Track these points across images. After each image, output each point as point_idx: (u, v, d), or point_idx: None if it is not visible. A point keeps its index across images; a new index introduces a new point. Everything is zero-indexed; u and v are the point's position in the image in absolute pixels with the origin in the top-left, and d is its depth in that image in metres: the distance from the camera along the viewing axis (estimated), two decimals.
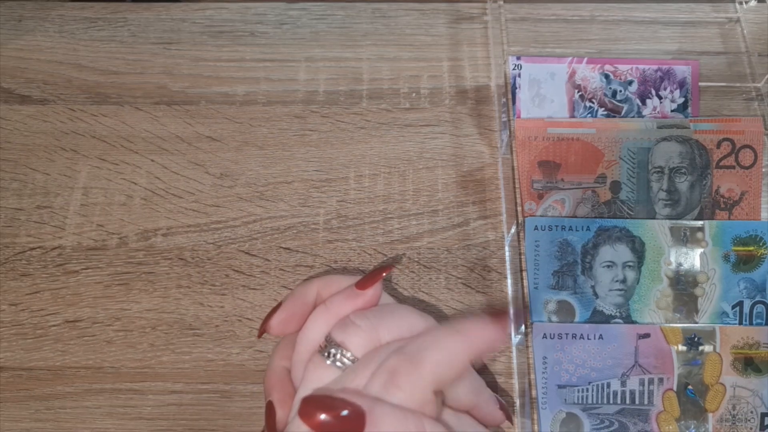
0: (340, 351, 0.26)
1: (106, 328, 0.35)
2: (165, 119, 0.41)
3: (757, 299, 0.35)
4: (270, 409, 0.28)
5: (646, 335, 0.34)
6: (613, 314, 0.35)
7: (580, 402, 0.33)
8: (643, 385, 0.34)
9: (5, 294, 0.36)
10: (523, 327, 0.34)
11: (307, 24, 0.44)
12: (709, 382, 0.34)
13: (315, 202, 0.38)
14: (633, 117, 0.40)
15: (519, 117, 0.39)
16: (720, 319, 0.35)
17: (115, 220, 0.38)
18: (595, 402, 0.33)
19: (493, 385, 0.34)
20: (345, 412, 0.24)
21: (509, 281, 0.36)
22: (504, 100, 0.39)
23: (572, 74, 0.40)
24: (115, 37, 0.43)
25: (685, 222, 0.36)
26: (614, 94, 0.40)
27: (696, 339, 0.34)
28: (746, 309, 0.35)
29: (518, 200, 0.37)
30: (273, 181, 0.39)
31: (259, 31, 0.43)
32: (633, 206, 0.37)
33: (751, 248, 0.36)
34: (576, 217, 0.37)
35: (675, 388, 0.34)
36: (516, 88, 0.40)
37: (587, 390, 0.34)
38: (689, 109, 0.40)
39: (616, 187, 0.37)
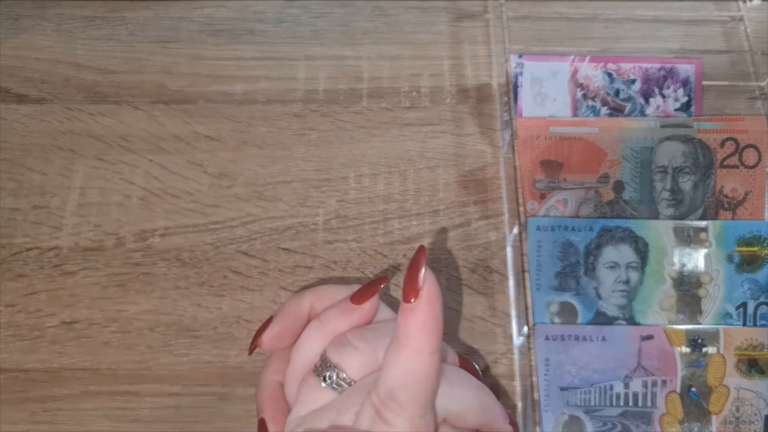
0: (336, 373, 0.25)
1: (103, 329, 0.35)
2: (163, 118, 0.40)
3: (761, 300, 0.35)
4: (262, 426, 0.27)
5: (650, 337, 0.34)
6: (616, 315, 0.35)
7: (582, 404, 0.33)
8: (646, 387, 0.33)
9: (1, 295, 0.36)
10: (525, 329, 0.34)
11: (306, 22, 0.43)
12: (712, 384, 0.34)
13: (314, 202, 0.38)
14: (636, 116, 0.39)
15: (521, 116, 0.39)
16: (723, 320, 0.35)
17: (113, 221, 0.38)
18: (597, 404, 0.33)
19: (495, 388, 0.34)
20: None
21: (511, 282, 0.36)
22: (506, 98, 0.39)
23: (575, 73, 0.40)
24: (114, 35, 0.43)
25: (688, 222, 0.36)
26: (617, 92, 0.40)
27: (699, 340, 0.34)
28: (750, 310, 0.35)
29: (520, 200, 0.36)
30: (272, 180, 0.39)
31: (258, 30, 0.43)
32: (636, 206, 0.37)
33: (755, 249, 0.36)
34: (579, 217, 0.37)
35: (678, 390, 0.33)
36: (518, 86, 0.40)
37: (590, 392, 0.33)
38: (692, 108, 0.40)
39: (619, 186, 0.37)
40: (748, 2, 0.43)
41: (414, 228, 0.37)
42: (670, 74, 0.40)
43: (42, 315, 0.36)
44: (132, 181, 0.39)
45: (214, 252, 0.37)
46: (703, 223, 0.36)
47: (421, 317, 0.24)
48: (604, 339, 0.34)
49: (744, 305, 0.35)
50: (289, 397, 0.28)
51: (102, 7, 0.44)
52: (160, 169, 0.39)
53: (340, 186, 0.39)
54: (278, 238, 0.37)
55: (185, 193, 0.38)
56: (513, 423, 0.29)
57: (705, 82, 0.40)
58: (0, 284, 0.36)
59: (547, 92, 0.40)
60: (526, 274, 0.35)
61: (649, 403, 0.33)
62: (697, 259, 0.35)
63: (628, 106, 0.40)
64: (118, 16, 0.44)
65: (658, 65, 0.40)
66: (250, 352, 0.29)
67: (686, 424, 0.33)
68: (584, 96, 0.40)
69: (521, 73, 0.40)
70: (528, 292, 0.35)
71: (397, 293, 0.36)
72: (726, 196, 0.37)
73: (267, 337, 0.28)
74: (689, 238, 0.36)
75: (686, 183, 0.37)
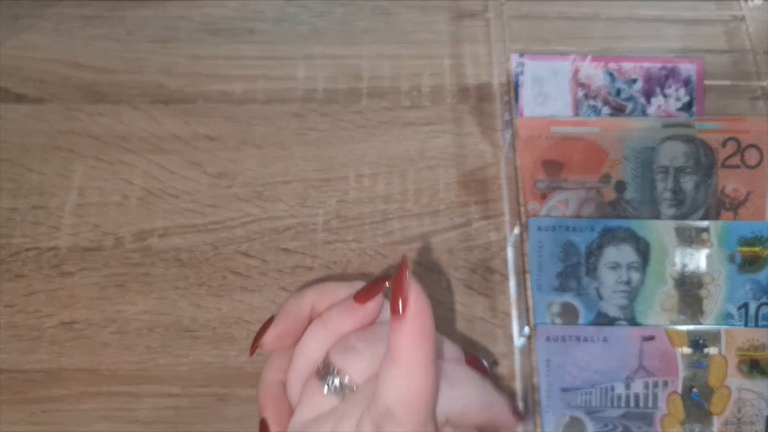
0: (339, 378, 0.25)
1: (102, 330, 0.35)
2: (162, 118, 0.40)
3: (762, 301, 0.35)
4: (264, 427, 0.27)
5: (651, 338, 0.34)
6: (617, 316, 0.35)
7: (583, 405, 0.33)
8: (648, 388, 0.33)
9: (0, 295, 0.36)
10: (526, 329, 0.33)
11: (306, 21, 0.43)
12: (714, 384, 0.33)
13: (314, 203, 0.38)
14: (637, 116, 0.39)
15: (522, 115, 0.39)
16: (725, 320, 0.35)
17: (112, 221, 0.37)
18: (599, 405, 0.33)
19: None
20: None
21: (512, 283, 0.36)
22: (506, 98, 0.39)
23: (576, 72, 0.40)
24: (113, 35, 0.43)
25: (690, 222, 0.36)
26: (618, 92, 0.39)
27: (701, 341, 0.34)
28: (752, 310, 0.35)
29: (521, 200, 0.36)
30: (271, 180, 0.39)
31: (257, 29, 0.43)
32: (637, 206, 0.37)
33: (757, 249, 0.35)
34: (580, 217, 0.36)
35: (680, 391, 0.33)
36: (519, 86, 0.39)
37: (591, 393, 0.33)
38: (694, 108, 0.40)
39: (620, 187, 0.37)
40: (750, 2, 0.43)
41: (414, 228, 0.37)
42: (671, 74, 0.40)
43: (41, 315, 0.35)
44: (131, 181, 0.39)
45: (213, 252, 0.37)
46: (704, 224, 0.36)
47: (411, 333, 0.23)
48: (605, 340, 0.34)
49: (746, 306, 0.35)
50: (291, 398, 0.28)
51: (101, 7, 0.44)
52: (159, 169, 0.39)
53: (340, 186, 0.38)
54: (278, 238, 0.37)
55: (184, 193, 0.38)
56: (517, 413, 0.29)
57: (707, 82, 0.40)
58: None
59: (548, 92, 0.39)
60: (527, 275, 0.35)
61: (650, 404, 0.33)
62: (698, 260, 0.35)
63: (630, 106, 0.39)
64: (117, 15, 0.44)
65: (659, 65, 0.40)
66: (252, 353, 0.28)
67: (688, 425, 0.33)
68: (585, 95, 0.39)
69: (522, 73, 0.40)
70: (529, 293, 0.34)
71: None
72: (728, 197, 0.37)
73: (268, 337, 0.27)
74: (691, 239, 0.35)
75: (688, 183, 0.37)
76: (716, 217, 0.37)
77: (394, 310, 0.23)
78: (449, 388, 0.26)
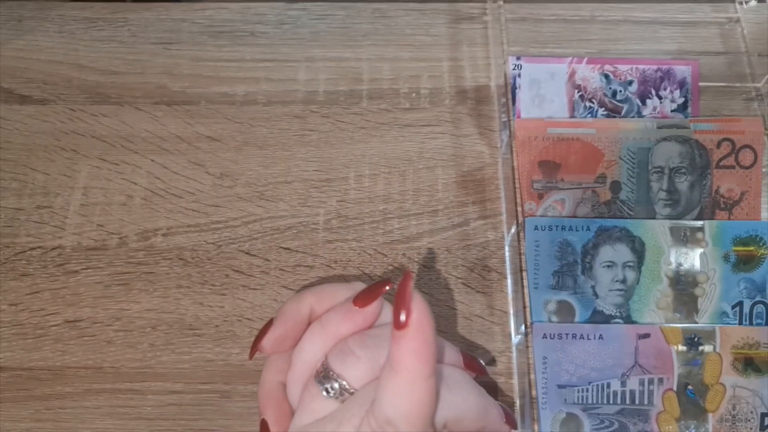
0: (338, 383, 0.25)
1: (106, 328, 0.35)
2: (165, 119, 0.41)
3: (757, 299, 0.35)
4: (264, 427, 0.27)
5: (646, 335, 0.34)
6: (613, 314, 0.35)
7: (580, 402, 0.33)
8: (643, 385, 0.34)
9: (5, 294, 0.36)
10: (523, 327, 0.34)
11: (307, 24, 0.44)
12: (709, 382, 0.34)
13: (315, 202, 0.38)
14: (633, 117, 0.40)
15: (519, 117, 0.39)
16: (720, 319, 0.35)
17: (115, 220, 0.38)
18: (595, 402, 0.33)
19: (493, 386, 0.34)
20: None
21: (509, 281, 0.36)
22: (504, 100, 0.39)
23: (572, 74, 0.40)
24: (115, 37, 0.43)
25: (685, 222, 0.36)
26: (614, 94, 0.40)
27: (696, 339, 0.34)
28: (746, 309, 0.35)
29: (518, 200, 0.37)
30: (273, 181, 0.39)
31: (259, 31, 0.43)
32: (633, 206, 0.37)
33: (751, 248, 0.36)
34: (576, 217, 0.37)
35: (675, 388, 0.34)
36: (516, 88, 0.40)
37: (587, 390, 0.34)
38: (689, 109, 0.40)
39: (616, 187, 0.37)
40: (744, 4, 0.43)
41: (413, 228, 0.38)
42: (666, 75, 0.40)
43: (45, 314, 0.36)
44: (134, 181, 0.39)
45: (215, 251, 0.37)
46: (699, 223, 0.36)
47: (413, 344, 0.23)
48: (601, 337, 0.34)
49: (740, 304, 0.35)
50: (291, 400, 0.28)
51: (104, 9, 0.44)
52: (162, 170, 0.39)
53: (341, 186, 0.39)
54: (279, 237, 0.37)
55: (187, 193, 0.39)
56: (510, 421, 0.29)
57: (702, 84, 0.40)
58: (3, 283, 0.36)
59: (544, 93, 0.40)
60: (524, 273, 0.35)
61: (646, 401, 0.33)
62: (693, 259, 0.36)
63: (625, 107, 0.40)
64: (120, 17, 0.44)
65: (655, 66, 0.40)
66: (251, 356, 0.28)
67: (683, 422, 0.33)
68: (582, 97, 0.40)
69: (519, 75, 0.40)
70: (526, 291, 0.35)
71: None
72: (722, 197, 0.37)
73: (268, 341, 0.27)
74: (686, 238, 0.36)
75: (683, 183, 0.37)
76: (711, 217, 0.37)
77: (397, 321, 0.23)
78: (448, 393, 0.26)
